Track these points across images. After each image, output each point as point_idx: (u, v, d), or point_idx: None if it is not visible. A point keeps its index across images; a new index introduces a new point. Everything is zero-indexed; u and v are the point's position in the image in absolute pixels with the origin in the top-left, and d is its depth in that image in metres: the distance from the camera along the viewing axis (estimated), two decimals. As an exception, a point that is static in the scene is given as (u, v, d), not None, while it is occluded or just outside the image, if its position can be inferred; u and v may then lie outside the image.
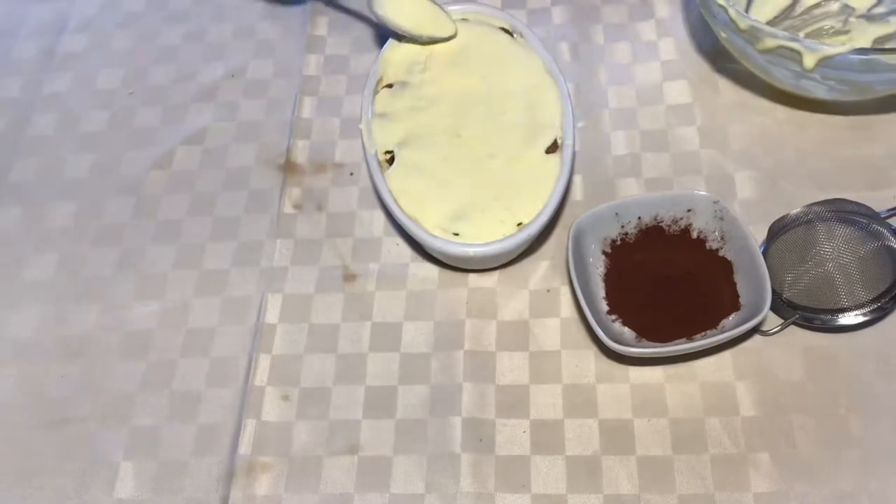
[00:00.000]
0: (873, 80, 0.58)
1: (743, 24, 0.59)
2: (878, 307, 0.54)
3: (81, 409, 0.58)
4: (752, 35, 0.59)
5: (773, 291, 0.54)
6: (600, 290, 0.57)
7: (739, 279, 0.56)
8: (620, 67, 0.69)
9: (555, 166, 0.58)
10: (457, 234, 0.56)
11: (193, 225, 0.65)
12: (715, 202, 0.57)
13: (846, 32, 0.65)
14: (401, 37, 0.63)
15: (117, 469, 0.55)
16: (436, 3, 0.63)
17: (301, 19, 0.76)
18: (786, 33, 0.57)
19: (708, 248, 0.58)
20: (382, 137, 0.60)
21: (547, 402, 0.55)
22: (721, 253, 0.57)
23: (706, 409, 0.54)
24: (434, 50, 0.63)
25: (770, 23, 0.66)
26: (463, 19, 0.64)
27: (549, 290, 0.59)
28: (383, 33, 0.63)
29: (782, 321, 0.56)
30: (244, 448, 0.55)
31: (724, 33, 0.62)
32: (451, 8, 0.64)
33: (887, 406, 0.53)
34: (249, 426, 0.56)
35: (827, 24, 0.66)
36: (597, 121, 0.66)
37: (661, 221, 0.59)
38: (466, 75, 0.62)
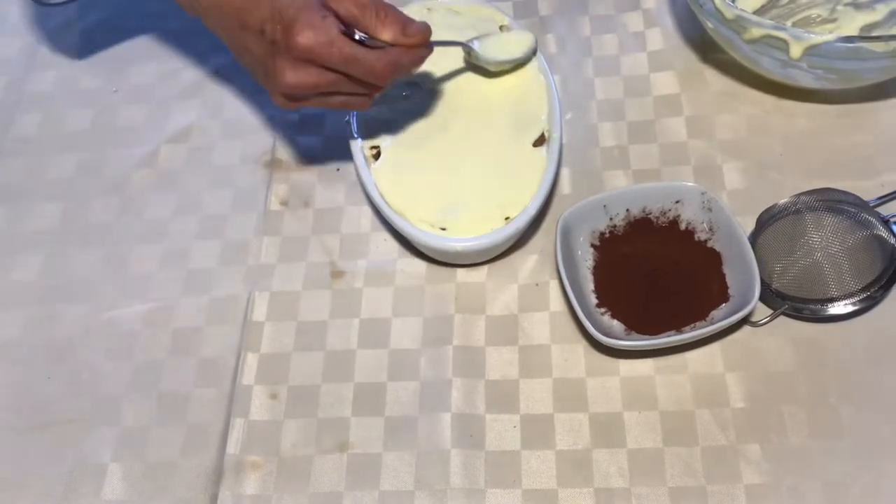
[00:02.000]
0: (860, 68, 0.58)
1: (729, 13, 0.58)
2: (868, 296, 0.54)
3: (68, 410, 0.57)
4: (739, 25, 0.58)
5: (762, 282, 0.53)
6: (589, 284, 0.57)
7: (728, 270, 0.56)
8: (607, 59, 0.69)
9: (542, 159, 0.57)
10: (444, 229, 0.56)
11: (179, 224, 0.64)
12: (703, 193, 0.57)
13: (833, 21, 0.65)
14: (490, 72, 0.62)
15: (105, 470, 0.55)
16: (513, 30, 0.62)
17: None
18: (772, 22, 0.57)
19: (696, 239, 0.58)
20: (369, 132, 0.60)
21: (537, 396, 0.55)
22: (710, 244, 0.57)
23: (696, 401, 0.53)
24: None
25: (757, 12, 0.66)
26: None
27: (537, 284, 0.59)
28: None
29: (772, 312, 0.55)
30: (232, 447, 0.55)
31: (711, 23, 0.61)
32: (438, 0, 0.64)
33: (877, 396, 0.53)
34: (238, 425, 0.55)
35: (814, 12, 0.66)
36: (584, 113, 0.66)
37: (650, 213, 0.58)
38: (452, 69, 0.62)
